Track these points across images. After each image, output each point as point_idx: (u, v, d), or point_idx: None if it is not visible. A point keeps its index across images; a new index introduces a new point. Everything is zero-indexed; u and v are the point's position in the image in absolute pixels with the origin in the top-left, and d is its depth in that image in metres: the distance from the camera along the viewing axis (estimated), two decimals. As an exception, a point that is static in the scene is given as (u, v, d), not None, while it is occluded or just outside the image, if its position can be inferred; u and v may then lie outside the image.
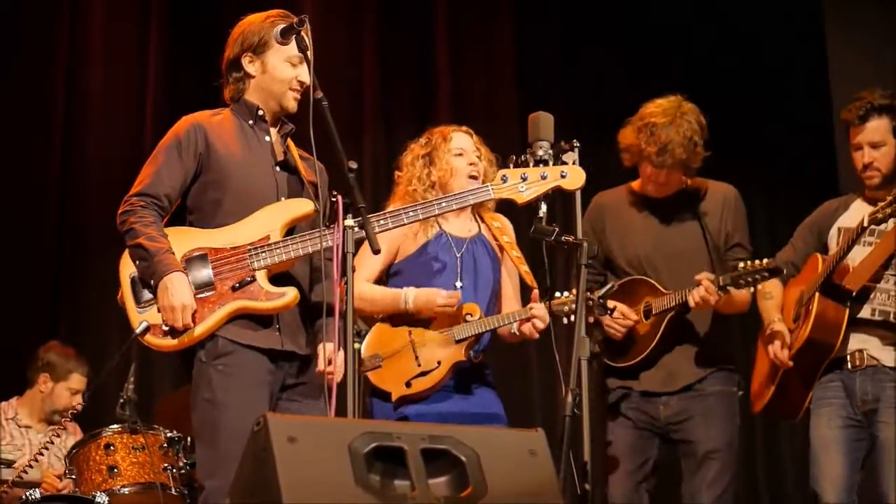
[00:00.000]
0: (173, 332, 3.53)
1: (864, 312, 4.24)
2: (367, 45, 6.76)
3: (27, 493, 4.46)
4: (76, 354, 5.67)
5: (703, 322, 4.43)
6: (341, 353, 3.60)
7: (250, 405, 3.41)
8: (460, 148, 4.35)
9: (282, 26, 3.66)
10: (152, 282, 3.54)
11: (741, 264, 4.24)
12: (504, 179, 3.63)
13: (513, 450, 2.91)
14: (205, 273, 3.57)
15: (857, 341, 4.25)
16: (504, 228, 4.42)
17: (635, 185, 4.59)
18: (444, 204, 3.70)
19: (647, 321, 4.38)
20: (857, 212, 4.32)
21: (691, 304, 4.25)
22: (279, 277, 3.63)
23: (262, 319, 3.61)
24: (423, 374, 4.19)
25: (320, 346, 3.63)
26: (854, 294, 4.22)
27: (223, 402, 3.50)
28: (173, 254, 3.56)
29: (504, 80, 6.87)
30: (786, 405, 4.43)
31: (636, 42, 6.80)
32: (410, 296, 4.20)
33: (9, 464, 4.96)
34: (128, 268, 3.63)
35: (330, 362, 3.62)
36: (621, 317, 4.35)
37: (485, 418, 4.21)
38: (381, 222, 3.60)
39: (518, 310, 4.25)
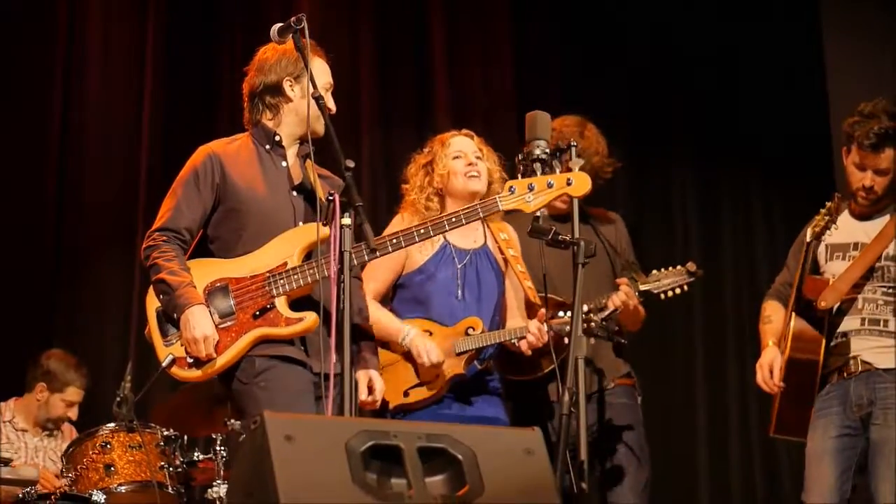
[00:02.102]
0: (197, 364, 3.61)
1: (854, 323, 4.26)
2: (364, 45, 6.77)
3: (24, 492, 4.46)
4: (77, 365, 5.62)
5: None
6: (381, 379, 3.76)
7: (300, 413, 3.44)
8: (458, 150, 4.37)
9: (279, 25, 3.67)
10: (175, 315, 3.61)
11: (654, 270, 4.41)
12: (512, 190, 3.66)
13: (509, 449, 2.90)
14: (226, 303, 3.64)
15: (850, 351, 4.26)
16: (511, 241, 4.43)
17: None
18: (454, 220, 3.72)
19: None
20: (844, 227, 4.35)
21: (611, 307, 4.32)
22: (303, 301, 3.66)
23: (289, 342, 3.65)
24: (422, 384, 4.21)
25: (360, 374, 3.69)
26: (833, 309, 4.25)
27: None
28: (195, 287, 3.63)
29: (501, 79, 6.87)
30: (794, 426, 4.40)
31: (633, 42, 6.81)
32: (410, 336, 4.19)
33: (6, 462, 4.95)
34: (154, 303, 3.71)
35: (371, 391, 3.74)
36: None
37: (484, 421, 4.21)
38: (395, 241, 3.64)
39: (519, 326, 4.26)
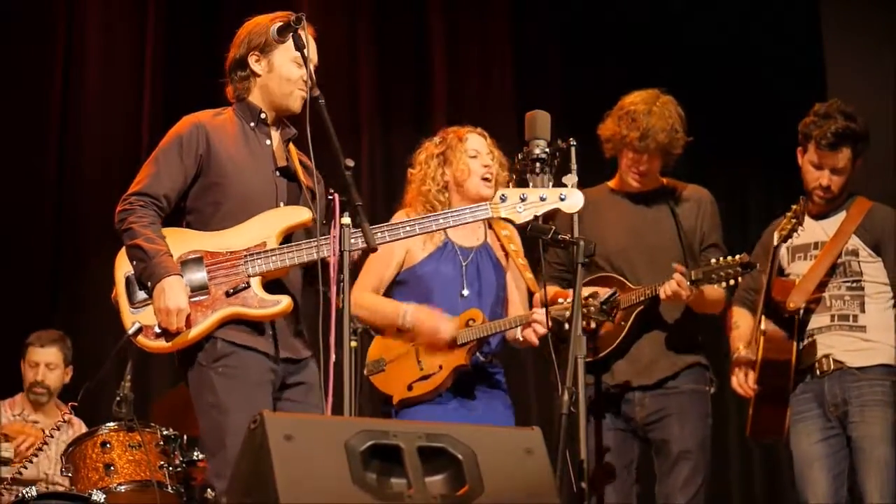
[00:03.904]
0: (166, 335, 3.53)
1: (823, 321, 4.32)
2: (363, 44, 6.77)
3: (24, 491, 4.46)
4: (43, 332, 5.69)
5: (675, 318, 4.46)
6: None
7: (254, 405, 3.36)
8: (475, 149, 4.37)
9: (279, 24, 3.66)
10: (149, 283, 3.53)
11: (713, 260, 4.30)
12: (503, 199, 3.62)
13: (509, 448, 2.90)
14: (199, 276, 3.56)
15: (822, 348, 4.31)
16: (512, 237, 4.44)
17: (612, 183, 4.65)
18: (441, 221, 3.69)
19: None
20: (804, 228, 4.38)
21: (662, 296, 4.28)
22: (272, 284, 3.63)
23: (257, 325, 3.60)
24: (425, 377, 4.21)
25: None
26: (801, 310, 4.28)
27: (228, 404, 3.50)
28: (171, 256, 3.54)
29: (501, 79, 6.88)
30: (770, 426, 4.44)
31: (633, 42, 6.81)
32: (409, 312, 4.21)
33: (6, 462, 4.95)
34: (123, 267, 3.63)
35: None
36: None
37: (488, 414, 4.24)
38: (379, 235, 3.56)
39: (519, 315, 4.26)
